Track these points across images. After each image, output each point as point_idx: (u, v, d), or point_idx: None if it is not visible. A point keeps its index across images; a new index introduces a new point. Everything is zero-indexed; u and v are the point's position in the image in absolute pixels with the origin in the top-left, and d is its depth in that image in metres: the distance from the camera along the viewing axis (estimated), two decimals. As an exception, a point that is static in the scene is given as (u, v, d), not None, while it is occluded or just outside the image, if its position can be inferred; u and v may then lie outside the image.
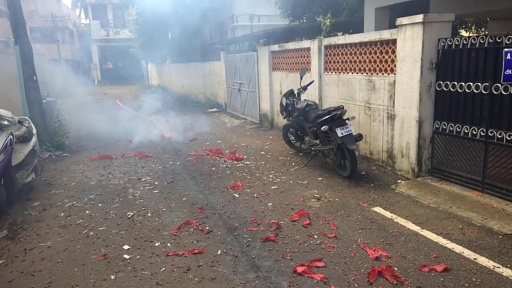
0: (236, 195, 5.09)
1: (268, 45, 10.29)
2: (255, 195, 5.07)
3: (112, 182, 5.94)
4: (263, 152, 7.47)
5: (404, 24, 5.09)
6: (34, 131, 6.05)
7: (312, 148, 6.11)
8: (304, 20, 13.19)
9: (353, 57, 6.39)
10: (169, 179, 5.94)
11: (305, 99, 6.59)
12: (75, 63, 38.30)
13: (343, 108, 5.46)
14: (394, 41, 5.49)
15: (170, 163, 6.98)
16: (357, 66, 6.31)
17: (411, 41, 5.00)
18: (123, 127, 10.26)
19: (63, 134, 8.79)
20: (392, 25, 8.05)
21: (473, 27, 12.95)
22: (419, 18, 4.82)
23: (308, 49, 7.73)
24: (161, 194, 5.32)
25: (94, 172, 6.56)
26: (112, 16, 36.77)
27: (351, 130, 5.30)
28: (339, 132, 5.22)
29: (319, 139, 5.85)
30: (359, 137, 5.39)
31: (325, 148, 5.66)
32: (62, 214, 4.72)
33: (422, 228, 3.88)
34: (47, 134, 8.16)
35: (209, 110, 14.46)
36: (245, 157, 7.14)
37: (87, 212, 4.76)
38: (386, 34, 5.63)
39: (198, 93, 17.09)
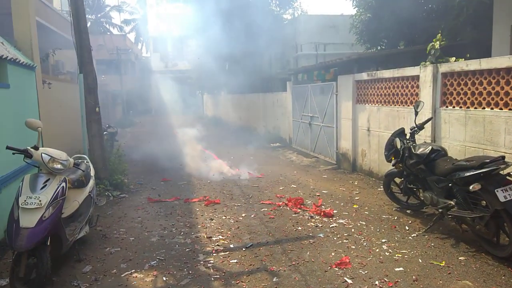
0: (349, 281, 3.60)
1: (338, 74, 8.99)
2: (377, 283, 3.56)
3: (177, 241, 4.75)
4: (356, 206, 5.96)
5: None
6: (92, 172, 5.12)
7: (439, 210, 4.51)
8: (383, 47, 11.76)
9: (493, 88, 4.82)
10: (247, 242, 4.63)
11: (427, 142, 5.09)
12: (135, 93, 39.82)
13: (503, 159, 3.86)
14: None
15: (243, 215, 5.70)
16: (502, 99, 4.71)
17: None
18: (180, 164, 9.33)
19: (122, 171, 7.97)
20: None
21: None
22: None
23: (415, 77, 6.27)
24: (241, 265, 4.00)
25: (155, 223, 5.45)
26: (171, 48, 38.08)
27: (518, 193, 3.67)
28: (501, 195, 3.62)
29: (456, 199, 4.24)
30: (525, 202, 3.73)
31: (470, 215, 4.03)
32: (117, 292, 3.55)
33: None
34: (105, 171, 7.34)
35: (271, 144, 13.27)
36: (335, 211, 5.67)
37: (149, 292, 3.55)
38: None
39: (258, 125, 16.08)
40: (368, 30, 10.83)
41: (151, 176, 8.66)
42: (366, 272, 3.76)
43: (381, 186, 7.04)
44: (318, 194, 6.74)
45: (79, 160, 5.20)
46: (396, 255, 4.11)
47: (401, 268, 3.80)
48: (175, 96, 36.50)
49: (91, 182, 4.84)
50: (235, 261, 4.11)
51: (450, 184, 4.29)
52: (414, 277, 3.62)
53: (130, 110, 32.89)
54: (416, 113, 5.22)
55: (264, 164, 9.77)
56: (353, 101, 8.21)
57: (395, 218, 5.33)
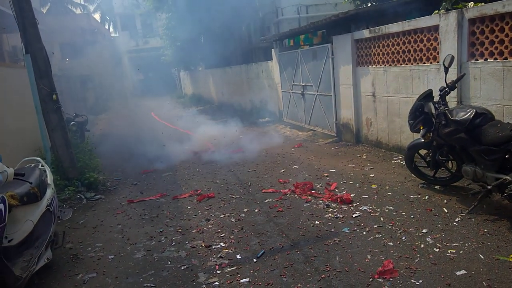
0: (404, 297, 2.75)
1: (331, 35, 7.93)
2: (441, 296, 2.72)
3: (169, 255, 3.78)
4: (375, 186, 5.10)
5: None
6: (50, 179, 4.00)
7: (488, 187, 3.67)
8: (374, 3, 10.66)
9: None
10: (257, 248, 3.70)
11: (467, 105, 4.19)
12: (106, 76, 37.54)
13: None
14: None
15: (245, 210, 4.76)
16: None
17: None
18: (162, 151, 8.36)
19: (95, 167, 6.83)
20: None
21: None
22: None
23: (433, 28, 5.28)
24: (256, 287, 3.08)
25: (139, 231, 4.45)
26: (140, 25, 35.72)
27: None
28: None
29: (514, 173, 3.40)
30: None
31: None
32: None
33: None
34: (74, 169, 6.19)
35: (260, 120, 12.23)
36: (353, 196, 4.79)
37: None
38: None
39: (243, 100, 14.95)
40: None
41: (131, 167, 7.56)
42: (421, 281, 2.89)
43: (395, 158, 6.25)
44: (326, 174, 5.85)
45: (31, 165, 4.10)
46: (449, 251, 3.27)
47: (463, 271, 2.96)
48: (149, 75, 34.56)
49: (49, 192, 3.74)
50: (247, 280, 3.19)
51: (506, 156, 3.43)
52: (485, 283, 2.79)
53: (102, 94, 30.84)
54: (446, 70, 4.26)
55: (258, 143, 8.76)
56: (353, 64, 7.20)
57: (426, 197, 4.49)
